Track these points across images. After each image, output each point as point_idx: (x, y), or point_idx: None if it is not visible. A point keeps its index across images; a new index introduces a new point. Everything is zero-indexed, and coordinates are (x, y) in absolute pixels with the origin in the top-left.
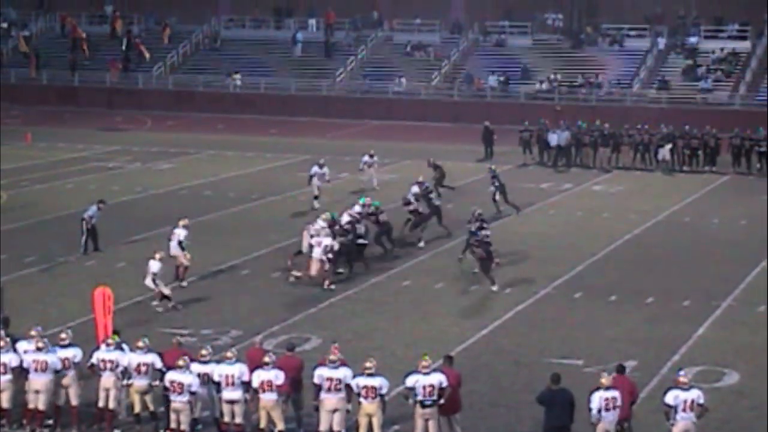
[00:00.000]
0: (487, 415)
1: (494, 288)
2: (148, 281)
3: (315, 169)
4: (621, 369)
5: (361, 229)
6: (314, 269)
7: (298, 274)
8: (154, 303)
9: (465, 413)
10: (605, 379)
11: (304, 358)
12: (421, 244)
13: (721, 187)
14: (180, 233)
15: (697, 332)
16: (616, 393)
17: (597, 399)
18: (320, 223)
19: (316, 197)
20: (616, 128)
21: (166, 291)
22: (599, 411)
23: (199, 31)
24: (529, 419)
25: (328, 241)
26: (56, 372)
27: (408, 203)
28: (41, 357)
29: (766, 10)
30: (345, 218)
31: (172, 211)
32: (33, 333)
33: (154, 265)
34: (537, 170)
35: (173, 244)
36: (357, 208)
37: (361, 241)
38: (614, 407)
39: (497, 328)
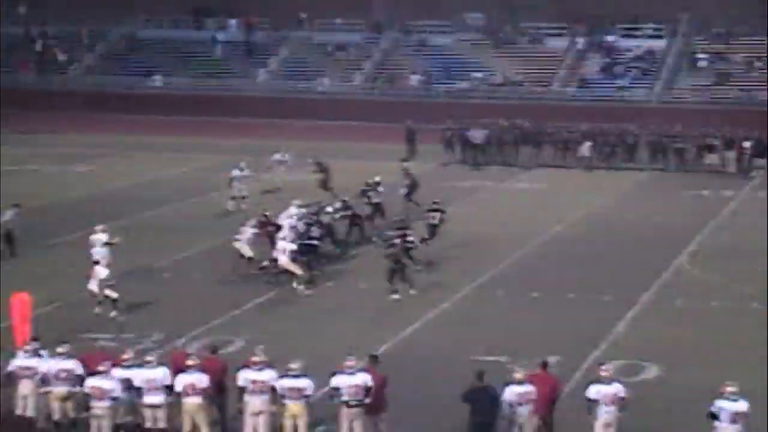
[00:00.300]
0: (412, 414)
1: (395, 297)
2: (94, 286)
3: (236, 171)
4: (544, 365)
5: (314, 231)
6: (298, 270)
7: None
8: (112, 314)
9: (390, 412)
10: (518, 374)
11: (227, 361)
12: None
13: (639, 183)
14: (100, 238)
15: (617, 327)
16: (529, 387)
17: (510, 393)
18: (249, 230)
19: (233, 198)
20: (536, 126)
21: (114, 294)
22: (512, 405)
23: (117, 32)
24: (454, 417)
25: (290, 246)
26: None
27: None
28: None
29: (680, 9)
30: (286, 221)
31: (91, 215)
32: None
33: (102, 272)
34: (459, 168)
35: (96, 249)
36: (293, 210)
37: (312, 242)
38: (527, 401)
39: (421, 327)
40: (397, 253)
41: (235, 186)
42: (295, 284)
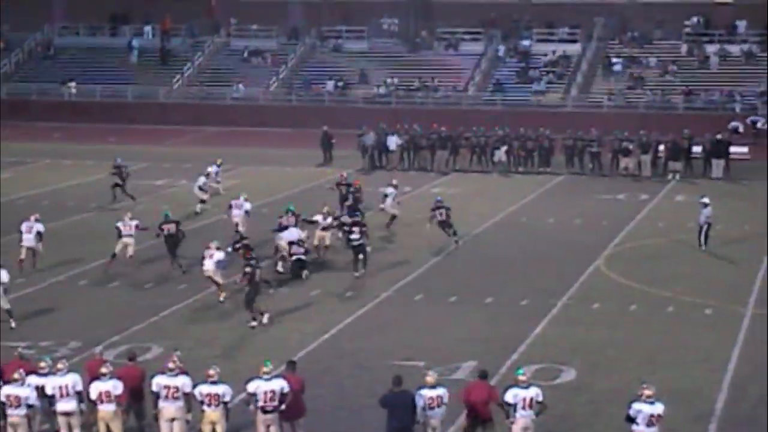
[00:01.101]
0: (330, 420)
1: (253, 324)
2: None
3: (202, 179)
4: (483, 375)
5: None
6: (220, 279)
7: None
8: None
9: (309, 418)
10: (430, 378)
11: (145, 368)
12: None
13: (555, 188)
14: (39, 226)
15: (535, 331)
16: (441, 391)
17: (422, 397)
18: (129, 221)
19: (203, 201)
20: (452, 131)
21: (7, 306)
22: (424, 409)
23: (32, 39)
24: (372, 422)
25: (219, 254)
26: None
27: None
28: None
29: (594, 14)
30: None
31: (9, 222)
32: None
33: (3, 275)
34: (375, 174)
35: (29, 236)
36: (247, 204)
37: (300, 256)
38: (439, 405)
39: (339, 332)
40: (253, 274)
41: (198, 193)
42: (222, 297)
